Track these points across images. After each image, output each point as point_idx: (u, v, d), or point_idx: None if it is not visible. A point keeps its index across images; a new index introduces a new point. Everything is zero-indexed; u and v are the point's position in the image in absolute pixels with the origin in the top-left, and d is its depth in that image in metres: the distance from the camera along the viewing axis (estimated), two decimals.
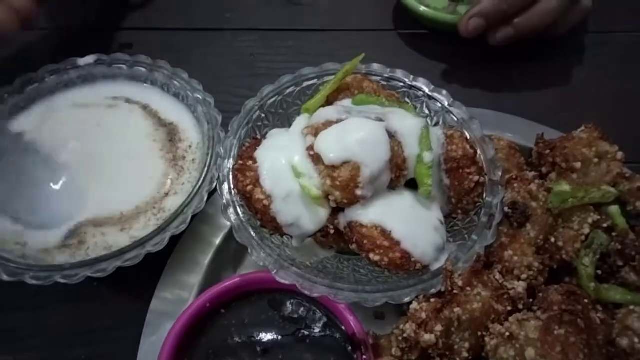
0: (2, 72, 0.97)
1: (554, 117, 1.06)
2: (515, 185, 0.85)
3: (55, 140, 0.97)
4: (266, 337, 0.80)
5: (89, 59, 1.01)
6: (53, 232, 0.87)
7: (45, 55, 1.03)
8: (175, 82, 0.99)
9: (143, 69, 1.01)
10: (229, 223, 0.81)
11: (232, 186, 0.82)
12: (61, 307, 0.91)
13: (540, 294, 0.78)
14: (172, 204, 0.89)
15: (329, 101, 0.88)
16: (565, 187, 0.86)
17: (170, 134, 0.97)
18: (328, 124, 0.81)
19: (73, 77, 1.01)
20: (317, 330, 0.80)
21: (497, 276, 0.78)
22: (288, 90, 0.93)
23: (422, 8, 1.20)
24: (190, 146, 0.96)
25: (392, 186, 0.80)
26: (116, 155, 0.96)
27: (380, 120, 0.81)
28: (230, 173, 0.83)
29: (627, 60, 1.25)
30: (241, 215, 0.80)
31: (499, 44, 1.15)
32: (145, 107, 1.01)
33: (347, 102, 0.87)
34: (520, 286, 0.76)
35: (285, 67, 0.97)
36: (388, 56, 1.01)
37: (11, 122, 0.98)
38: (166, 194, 0.91)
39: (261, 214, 0.78)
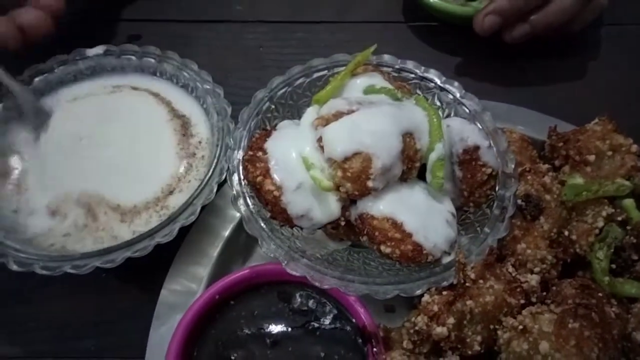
0: (12, 62, 0.97)
1: (566, 109, 1.04)
2: (529, 177, 0.84)
3: (69, 131, 0.97)
4: (276, 329, 0.79)
5: (98, 49, 1.01)
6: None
7: (53, 46, 1.03)
8: (185, 73, 0.98)
9: (152, 60, 1.00)
10: (238, 214, 0.80)
11: (242, 177, 0.81)
12: (70, 298, 0.91)
13: (554, 288, 0.77)
14: (177, 201, 0.88)
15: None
16: (578, 180, 0.85)
17: (184, 127, 0.97)
18: (339, 114, 0.80)
19: (82, 68, 1.01)
20: (327, 322, 0.80)
21: (510, 269, 0.77)
22: (298, 81, 0.92)
23: (433, 0, 1.19)
24: (200, 142, 0.95)
25: (404, 178, 0.79)
26: (135, 145, 0.95)
27: (392, 111, 0.80)
28: (240, 164, 0.82)
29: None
30: (251, 206, 0.80)
31: (515, 41, 1.13)
32: (156, 95, 1.00)
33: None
34: (533, 279, 0.76)
35: (294, 59, 0.96)
36: (398, 48, 0.99)
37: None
38: (171, 192, 0.90)
39: (271, 205, 0.78)
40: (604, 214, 0.80)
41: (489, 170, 0.81)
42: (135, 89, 1.02)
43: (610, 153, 0.86)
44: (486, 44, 1.18)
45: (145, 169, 0.92)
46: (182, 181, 0.91)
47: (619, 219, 0.81)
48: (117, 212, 0.87)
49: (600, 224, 0.80)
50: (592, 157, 0.86)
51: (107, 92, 1.01)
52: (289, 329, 0.79)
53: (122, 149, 0.94)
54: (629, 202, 0.82)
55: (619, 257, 0.79)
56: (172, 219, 0.81)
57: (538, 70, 1.19)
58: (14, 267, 0.78)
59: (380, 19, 1.28)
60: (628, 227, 0.80)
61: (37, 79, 0.98)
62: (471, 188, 0.81)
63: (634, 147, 0.86)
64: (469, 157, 0.81)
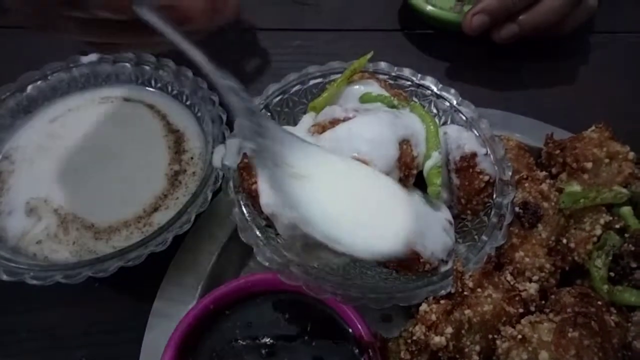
0: (5, 69, 0.96)
1: (562, 117, 1.04)
2: (526, 185, 0.83)
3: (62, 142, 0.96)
4: (271, 339, 0.78)
5: (92, 57, 1.00)
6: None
7: (48, 53, 1.02)
8: (180, 80, 0.98)
9: (147, 67, 1.00)
10: (233, 223, 0.79)
11: (237, 185, 0.80)
12: (61, 308, 0.89)
13: (553, 296, 0.76)
14: (161, 218, 0.87)
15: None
16: (576, 187, 0.85)
17: (177, 142, 0.96)
18: (335, 122, 0.80)
19: (76, 76, 1.00)
20: (323, 332, 0.79)
21: (509, 277, 0.76)
22: (294, 89, 0.92)
23: (429, 7, 1.19)
24: (192, 158, 0.94)
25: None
26: (126, 161, 0.94)
27: (389, 118, 0.79)
28: (236, 172, 0.81)
29: (634, 60, 1.24)
30: (246, 214, 0.79)
31: (502, 41, 1.13)
32: (151, 107, 1.00)
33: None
34: (532, 287, 0.75)
35: (291, 67, 0.95)
36: (394, 56, 0.99)
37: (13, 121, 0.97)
38: (156, 209, 0.88)
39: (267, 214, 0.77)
40: (602, 221, 0.80)
41: (486, 178, 0.80)
42: (128, 100, 1.01)
43: (607, 160, 0.86)
44: (482, 52, 1.19)
45: (129, 190, 0.90)
46: (168, 198, 0.89)
47: (617, 226, 0.80)
48: (91, 231, 0.86)
49: (598, 231, 0.79)
50: (589, 165, 0.85)
51: (102, 104, 1.00)
52: (285, 339, 0.78)
53: (111, 165, 0.93)
54: (626, 210, 0.82)
55: (618, 265, 0.78)
56: (165, 228, 0.80)
57: (534, 78, 1.19)
58: (4, 277, 0.76)
59: (377, 27, 1.28)
60: (626, 235, 0.79)
61: (30, 86, 0.97)
62: (468, 196, 0.81)
63: (631, 155, 0.86)
64: (466, 165, 0.80)
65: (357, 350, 0.77)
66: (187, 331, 0.76)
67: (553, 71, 1.21)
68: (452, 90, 0.92)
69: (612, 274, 0.77)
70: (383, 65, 0.94)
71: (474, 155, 0.80)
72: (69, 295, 0.88)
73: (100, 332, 0.87)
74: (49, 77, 0.98)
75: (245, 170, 0.79)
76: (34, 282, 0.76)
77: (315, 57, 1.14)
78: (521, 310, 0.74)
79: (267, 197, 0.75)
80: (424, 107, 0.89)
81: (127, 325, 0.85)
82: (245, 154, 0.81)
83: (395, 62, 0.95)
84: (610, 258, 0.78)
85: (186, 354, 0.77)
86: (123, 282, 0.86)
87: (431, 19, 1.22)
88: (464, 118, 0.90)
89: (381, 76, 0.93)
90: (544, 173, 0.88)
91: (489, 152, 0.84)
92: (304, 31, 1.26)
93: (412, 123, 0.81)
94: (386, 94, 0.86)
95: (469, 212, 0.82)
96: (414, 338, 0.71)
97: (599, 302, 0.72)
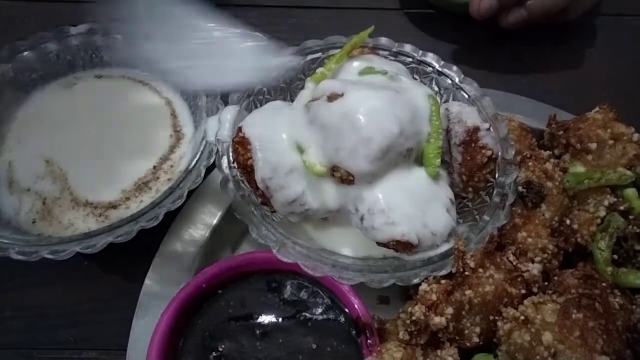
0: None
1: (564, 100, 1.02)
2: (530, 164, 0.81)
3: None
4: (266, 320, 0.76)
5: (82, 28, 0.96)
6: None
7: (35, 26, 0.98)
8: None
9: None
10: (228, 199, 0.76)
11: (232, 160, 0.77)
12: (49, 287, 0.87)
13: (556, 278, 0.74)
14: (146, 201, 0.84)
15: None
16: (580, 168, 0.83)
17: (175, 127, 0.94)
18: (334, 97, 0.77)
19: (64, 47, 0.96)
20: (319, 313, 0.76)
21: (511, 258, 0.74)
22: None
23: None
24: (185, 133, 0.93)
25: (401, 163, 0.76)
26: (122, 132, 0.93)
27: (390, 95, 0.76)
28: (230, 146, 0.78)
29: (639, 44, 1.21)
30: (241, 190, 0.76)
31: (511, 26, 1.11)
32: (156, 91, 0.98)
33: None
34: (535, 268, 0.73)
35: (287, 45, 0.92)
36: (394, 36, 0.96)
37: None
38: (146, 182, 0.87)
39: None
40: (606, 203, 0.78)
41: (489, 153, 0.76)
42: (123, 77, 0.99)
43: (611, 142, 0.84)
44: (484, 33, 1.16)
45: (123, 165, 0.89)
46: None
47: (621, 208, 0.78)
48: (86, 208, 0.84)
49: (603, 213, 0.78)
50: (593, 146, 0.83)
51: (95, 80, 0.98)
52: (280, 320, 0.76)
53: (106, 141, 0.91)
54: (631, 192, 0.80)
55: (622, 247, 0.76)
56: (156, 204, 0.77)
57: (536, 59, 1.17)
58: None
59: (376, 6, 1.25)
60: (630, 217, 0.77)
61: (17, 57, 0.92)
62: (471, 172, 0.77)
63: (636, 136, 0.84)
64: (469, 139, 0.77)
65: (354, 332, 0.75)
66: (178, 311, 0.74)
67: (557, 54, 1.18)
68: (455, 68, 0.89)
69: (615, 256, 0.76)
70: (384, 41, 0.91)
71: (476, 129, 0.77)
72: (58, 273, 0.87)
73: (89, 311, 0.85)
74: (36, 48, 0.94)
75: (240, 144, 0.76)
76: (19, 257, 0.73)
77: (312, 35, 1.11)
78: (523, 292, 0.72)
79: (263, 172, 0.73)
80: (425, 84, 0.86)
81: (117, 305, 0.83)
82: (240, 128, 0.78)
83: (395, 41, 0.92)
84: (614, 240, 0.76)
85: (178, 334, 0.75)
86: (113, 260, 0.84)
87: None
88: (466, 96, 0.87)
89: (382, 52, 0.90)
90: (548, 152, 0.86)
91: (491, 128, 0.81)
92: (300, 9, 1.22)
93: (413, 100, 0.78)
94: (387, 68, 0.83)
95: (470, 189, 0.79)
96: (414, 318, 0.69)
97: (604, 284, 0.70)
